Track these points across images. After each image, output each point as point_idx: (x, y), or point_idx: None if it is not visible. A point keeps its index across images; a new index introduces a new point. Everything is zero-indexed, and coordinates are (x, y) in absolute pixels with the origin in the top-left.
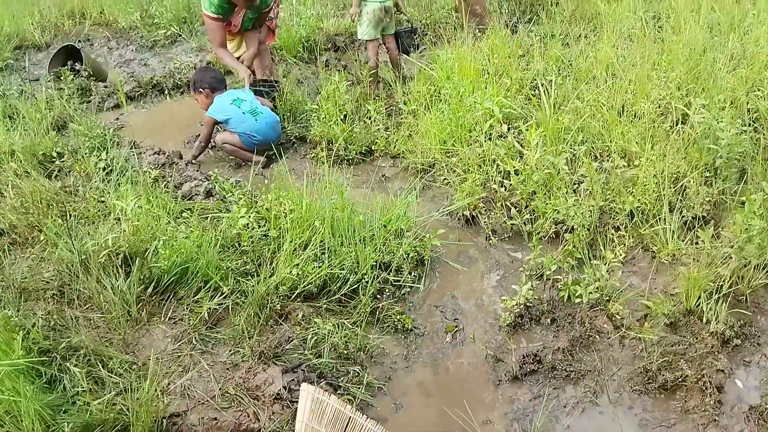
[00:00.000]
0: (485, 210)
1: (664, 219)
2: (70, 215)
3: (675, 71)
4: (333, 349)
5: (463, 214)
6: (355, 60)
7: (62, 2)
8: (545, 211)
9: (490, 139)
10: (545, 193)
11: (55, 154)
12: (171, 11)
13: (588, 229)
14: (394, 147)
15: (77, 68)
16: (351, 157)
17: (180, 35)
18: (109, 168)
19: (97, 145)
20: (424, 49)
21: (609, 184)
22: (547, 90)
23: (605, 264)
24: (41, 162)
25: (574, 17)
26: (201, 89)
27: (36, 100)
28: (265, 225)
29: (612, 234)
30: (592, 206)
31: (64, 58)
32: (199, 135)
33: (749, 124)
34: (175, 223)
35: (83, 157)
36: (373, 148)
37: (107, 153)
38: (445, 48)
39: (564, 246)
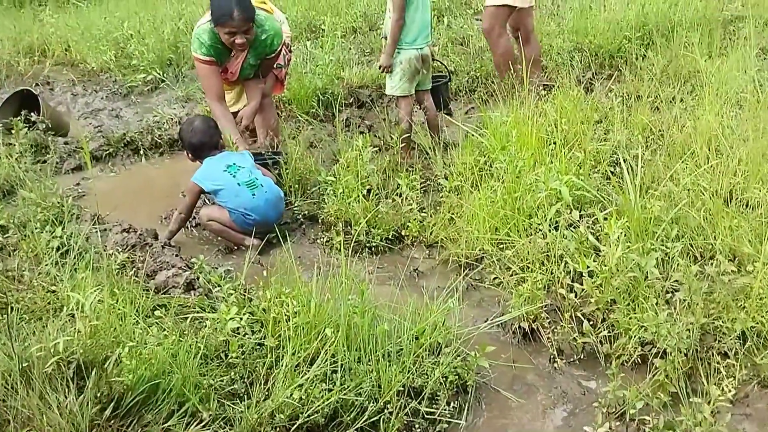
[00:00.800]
0: (549, 322)
1: None
2: (12, 308)
3: None
4: None
5: (519, 327)
6: (383, 119)
7: (18, 36)
8: (628, 327)
9: (556, 228)
10: (628, 304)
11: None
12: (153, 51)
13: (685, 355)
14: (431, 233)
15: (32, 119)
16: (375, 244)
17: (163, 81)
18: (65, 248)
19: (52, 217)
20: (472, 108)
21: (713, 294)
22: (631, 168)
23: (709, 402)
24: None
25: (666, 75)
26: (185, 150)
27: None
28: (260, 331)
29: (718, 362)
30: (691, 324)
31: (16, 106)
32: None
33: None
34: (146, 324)
35: (32, 232)
36: (403, 233)
37: (63, 228)
38: (500, 108)
39: (653, 375)
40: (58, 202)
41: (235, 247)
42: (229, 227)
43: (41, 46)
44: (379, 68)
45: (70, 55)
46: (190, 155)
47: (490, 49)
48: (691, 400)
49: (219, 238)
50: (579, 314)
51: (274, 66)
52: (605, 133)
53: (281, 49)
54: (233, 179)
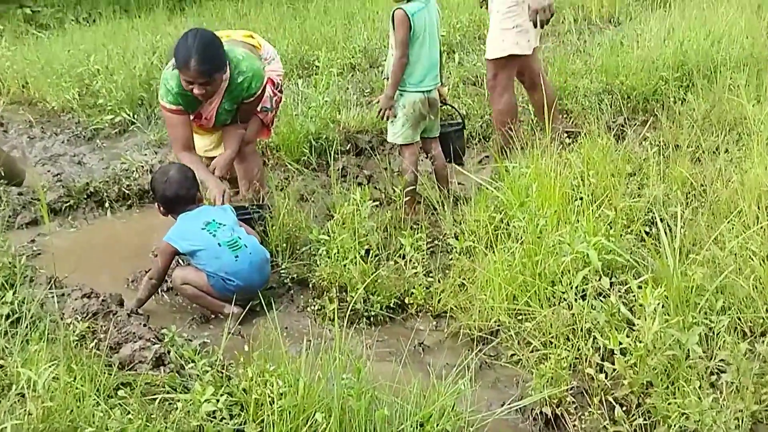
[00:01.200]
0: (576, 407)
1: None
2: None
3: None
4: None
5: (541, 412)
6: (385, 169)
7: None
8: (667, 414)
9: (583, 298)
10: (667, 387)
11: None
12: (122, 89)
13: None
14: (439, 301)
15: None
16: (374, 313)
17: (133, 123)
18: (16, 316)
19: (1, 280)
20: (486, 158)
21: (766, 377)
22: (669, 228)
23: None
24: None
25: (708, 122)
26: (157, 204)
27: None
28: (240, 415)
29: None
30: (741, 411)
31: None
32: (149, 270)
33: None
34: (108, 405)
35: None
36: (407, 301)
37: (15, 293)
38: (518, 158)
39: None
40: (10, 262)
41: (213, 316)
42: (206, 292)
43: None
44: (378, 112)
45: (28, 92)
46: (162, 210)
47: (490, 102)
48: None
49: (194, 305)
50: (610, 398)
51: (258, 109)
52: (639, 188)
53: (263, 92)
54: (213, 239)
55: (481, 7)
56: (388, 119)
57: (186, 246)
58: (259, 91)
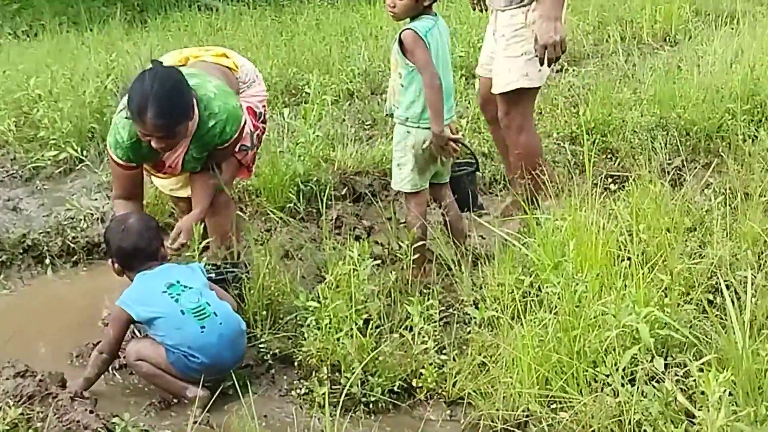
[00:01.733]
0: None
1: None
2: None
3: None
4: None
5: None
6: (389, 219)
7: None
8: None
9: (631, 382)
10: None
11: None
12: (69, 119)
13: None
14: (454, 385)
15: None
16: (374, 398)
17: (81, 160)
18: None
19: None
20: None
21: None
22: (737, 297)
23: None
24: None
25: None
26: (111, 259)
27: None
28: None
29: None
30: None
31: None
32: (98, 343)
33: None
34: None
35: None
36: (414, 384)
37: None
38: (552, 208)
39: None
40: None
41: (175, 401)
42: (165, 371)
43: None
44: (438, 157)
45: None
46: (117, 266)
47: (507, 144)
48: None
49: (152, 386)
50: None
51: (236, 149)
52: (701, 247)
53: (241, 133)
54: (175, 305)
55: (474, 10)
56: (397, 164)
57: (142, 312)
58: (236, 135)
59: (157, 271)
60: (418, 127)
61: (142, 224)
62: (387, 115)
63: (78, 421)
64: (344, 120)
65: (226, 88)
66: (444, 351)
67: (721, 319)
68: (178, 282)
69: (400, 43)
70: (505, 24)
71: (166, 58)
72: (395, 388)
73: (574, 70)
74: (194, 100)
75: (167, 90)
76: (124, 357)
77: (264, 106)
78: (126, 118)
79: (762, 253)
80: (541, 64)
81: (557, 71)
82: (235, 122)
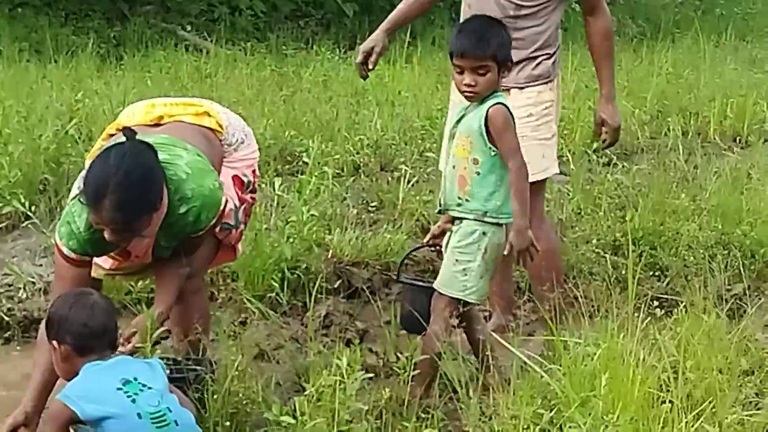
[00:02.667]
0: None
1: None
2: None
3: None
4: None
5: None
6: (387, 323)
7: None
8: None
9: None
10: None
11: None
12: (19, 166)
13: None
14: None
15: None
16: None
17: (29, 217)
18: None
19: None
20: (534, 322)
21: None
22: None
23: None
24: None
25: None
26: (58, 341)
27: None
28: None
29: None
30: None
31: None
32: None
33: None
34: None
35: None
36: None
37: None
38: (583, 330)
39: None
40: None
41: None
42: None
43: None
44: (521, 261)
45: None
46: (66, 350)
47: None
48: None
49: None
50: None
51: (218, 229)
52: (758, 395)
53: (219, 219)
54: (132, 405)
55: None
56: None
57: (91, 410)
58: (213, 221)
59: (111, 363)
60: (497, 223)
61: (108, 303)
62: (439, 211)
63: None
64: (345, 198)
65: (202, 163)
66: None
67: None
68: (135, 379)
69: (486, 121)
70: (528, 103)
71: (135, 111)
72: None
73: (624, 166)
74: (161, 192)
75: (134, 178)
76: None
77: (254, 172)
78: (81, 202)
79: None
80: (605, 148)
81: (605, 164)
82: (212, 208)
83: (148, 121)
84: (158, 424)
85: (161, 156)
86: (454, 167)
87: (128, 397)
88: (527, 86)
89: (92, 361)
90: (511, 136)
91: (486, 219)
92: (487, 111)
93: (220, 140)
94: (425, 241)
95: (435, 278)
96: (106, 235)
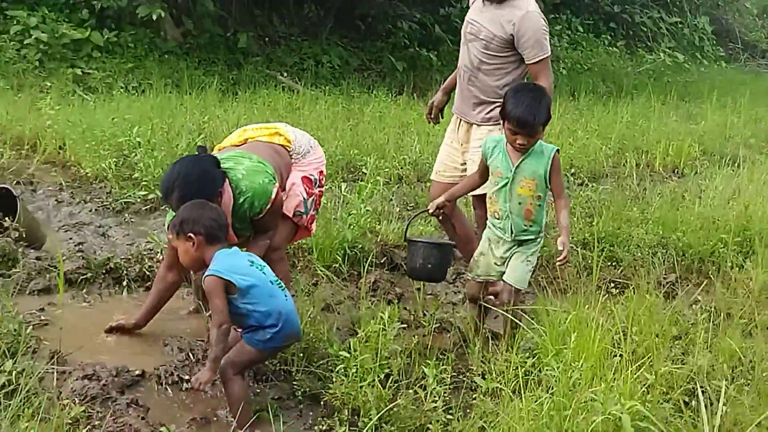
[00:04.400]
0: None
1: None
2: None
3: None
4: None
5: None
6: (417, 289)
7: (8, 124)
8: None
9: None
10: None
11: None
12: (161, 166)
13: None
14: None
15: (5, 224)
16: None
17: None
18: (12, 387)
19: (3, 347)
20: (529, 294)
21: None
22: (710, 403)
23: None
24: None
25: (765, 294)
26: (192, 233)
27: None
28: None
29: None
30: None
31: None
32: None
33: None
34: None
35: None
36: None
37: (14, 363)
38: (559, 302)
39: None
40: (15, 330)
41: (215, 419)
42: (256, 360)
43: (33, 139)
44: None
45: (64, 154)
46: (199, 241)
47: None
48: None
49: (196, 404)
50: None
51: (292, 214)
52: (683, 354)
53: (274, 205)
54: (264, 275)
55: (429, 123)
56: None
57: (240, 280)
58: (268, 207)
59: (234, 249)
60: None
61: (217, 211)
62: (514, 239)
63: (131, 425)
64: (391, 200)
65: (258, 167)
66: (450, 411)
67: (694, 420)
68: (253, 261)
69: (552, 163)
70: (481, 137)
71: (232, 135)
72: None
73: (592, 186)
74: (224, 183)
75: (189, 181)
76: (219, 371)
77: (321, 172)
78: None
79: (736, 367)
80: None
81: (579, 184)
82: (262, 197)
83: (237, 142)
84: (282, 290)
85: (226, 164)
86: (520, 204)
87: (259, 269)
88: (482, 125)
89: (218, 249)
90: (561, 177)
91: (540, 235)
92: (553, 159)
93: (289, 151)
94: (429, 209)
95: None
96: None
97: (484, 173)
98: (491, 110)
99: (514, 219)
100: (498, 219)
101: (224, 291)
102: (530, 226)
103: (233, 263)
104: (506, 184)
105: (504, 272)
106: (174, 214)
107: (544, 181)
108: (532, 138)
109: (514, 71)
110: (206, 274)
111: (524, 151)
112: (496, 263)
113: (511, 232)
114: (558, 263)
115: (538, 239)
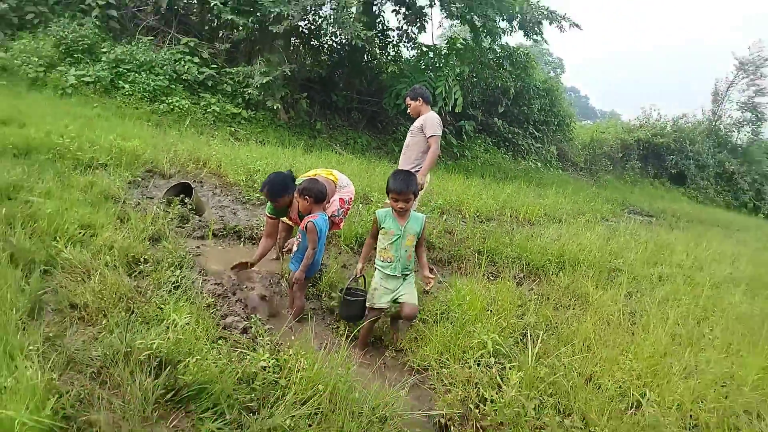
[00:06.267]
0: (458, 424)
1: None
2: (133, 312)
3: (638, 362)
4: None
5: (438, 421)
6: None
7: (194, 150)
8: None
9: (478, 364)
10: (512, 428)
11: (142, 260)
12: (262, 179)
13: None
14: (400, 343)
15: (185, 201)
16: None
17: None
18: (177, 284)
19: (176, 263)
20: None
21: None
22: (533, 341)
23: None
24: (129, 262)
25: (567, 289)
26: (308, 196)
27: (145, 213)
28: (279, 372)
29: None
30: None
31: (178, 190)
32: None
33: (689, 428)
34: (210, 347)
35: (162, 269)
36: (383, 338)
37: (180, 272)
38: (464, 280)
39: None
40: (183, 255)
41: (282, 311)
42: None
43: (204, 159)
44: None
45: (220, 170)
46: (309, 201)
47: None
48: None
49: (270, 306)
50: (479, 425)
51: (330, 214)
52: (522, 315)
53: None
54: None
55: None
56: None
57: (322, 232)
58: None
59: (325, 216)
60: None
61: (323, 186)
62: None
63: (235, 311)
64: None
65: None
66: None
67: (524, 349)
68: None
69: (422, 228)
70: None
71: (309, 172)
72: (376, 338)
73: (486, 223)
74: (294, 189)
75: (273, 182)
76: (295, 278)
77: (350, 198)
78: None
79: (548, 326)
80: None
81: (479, 222)
82: None
83: (311, 174)
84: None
85: (298, 181)
86: (405, 251)
87: (324, 232)
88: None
89: (318, 211)
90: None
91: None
92: (424, 223)
93: (335, 184)
94: (355, 276)
95: (357, 294)
96: (273, 204)
97: (375, 235)
98: (417, 166)
99: (402, 261)
100: (389, 263)
101: (316, 233)
102: (409, 264)
103: (322, 223)
104: (397, 239)
105: (394, 299)
106: (270, 205)
107: (417, 237)
108: (406, 203)
109: (425, 146)
110: (309, 221)
111: (405, 215)
112: (387, 296)
113: (400, 270)
114: (428, 288)
115: (412, 273)
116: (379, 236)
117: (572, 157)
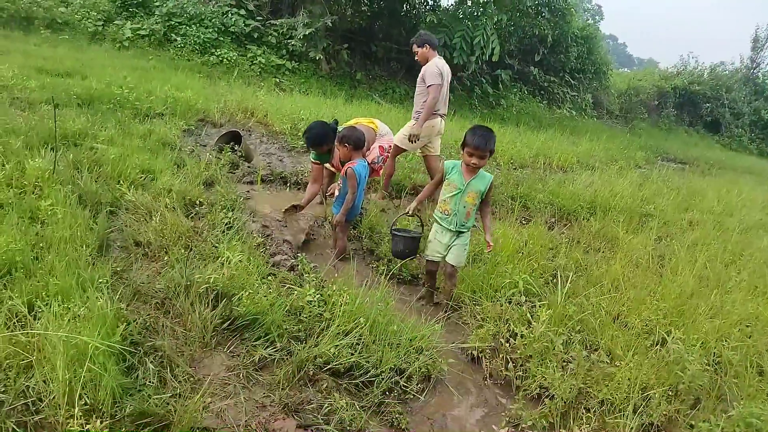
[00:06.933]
0: (489, 356)
1: (627, 416)
2: (191, 249)
3: (665, 303)
4: (340, 422)
5: (471, 353)
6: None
7: (242, 100)
8: (535, 374)
9: (510, 303)
10: (540, 361)
11: (197, 202)
12: (305, 127)
13: (564, 402)
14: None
15: (235, 148)
16: (404, 277)
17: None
18: (230, 225)
19: (228, 205)
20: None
21: (591, 372)
22: (564, 281)
23: None
24: (186, 204)
25: (598, 234)
26: (347, 143)
27: (199, 160)
28: (323, 306)
29: (583, 413)
30: (573, 384)
31: (228, 138)
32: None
33: (712, 365)
34: (261, 282)
35: (215, 210)
36: (420, 277)
37: (232, 214)
38: (497, 224)
39: (542, 408)
40: (234, 198)
41: (327, 251)
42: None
43: (252, 109)
44: None
45: (266, 119)
46: (349, 149)
47: None
48: (561, 430)
49: (315, 245)
50: (509, 357)
51: (370, 161)
52: (553, 257)
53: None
54: (365, 179)
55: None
56: None
57: (362, 180)
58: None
59: (365, 162)
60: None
61: (362, 134)
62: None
63: (283, 250)
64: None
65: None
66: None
67: (554, 289)
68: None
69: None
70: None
71: (351, 121)
72: (413, 275)
73: (520, 170)
74: (334, 137)
75: (315, 131)
76: (337, 221)
77: (390, 146)
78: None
79: (578, 267)
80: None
81: (513, 169)
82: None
83: (353, 123)
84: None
85: (340, 128)
86: (464, 207)
87: (365, 177)
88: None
89: (358, 157)
90: (491, 196)
91: (470, 230)
92: (491, 183)
93: (376, 132)
94: (407, 212)
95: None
96: (315, 151)
97: (437, 183)
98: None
99: (460, 217)
100: (447, 216)
101: (355, 179)
102: (467, 222)
103: (362, 169)
104: (458, 193)
105: (444, 255)
106: (314, 153)
107: (481, 196)
108: (481, 159)
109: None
110: (348, 167)
111: (476, 170)
112: (439, 249)
113: (456, 226)
114: (487, 251)
115: (469, 233)
116: (443, 187)
117: (608, 105)
